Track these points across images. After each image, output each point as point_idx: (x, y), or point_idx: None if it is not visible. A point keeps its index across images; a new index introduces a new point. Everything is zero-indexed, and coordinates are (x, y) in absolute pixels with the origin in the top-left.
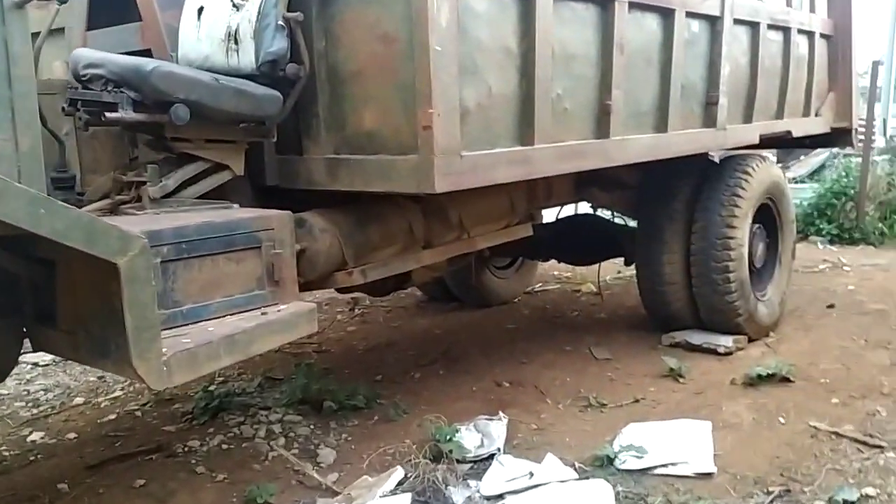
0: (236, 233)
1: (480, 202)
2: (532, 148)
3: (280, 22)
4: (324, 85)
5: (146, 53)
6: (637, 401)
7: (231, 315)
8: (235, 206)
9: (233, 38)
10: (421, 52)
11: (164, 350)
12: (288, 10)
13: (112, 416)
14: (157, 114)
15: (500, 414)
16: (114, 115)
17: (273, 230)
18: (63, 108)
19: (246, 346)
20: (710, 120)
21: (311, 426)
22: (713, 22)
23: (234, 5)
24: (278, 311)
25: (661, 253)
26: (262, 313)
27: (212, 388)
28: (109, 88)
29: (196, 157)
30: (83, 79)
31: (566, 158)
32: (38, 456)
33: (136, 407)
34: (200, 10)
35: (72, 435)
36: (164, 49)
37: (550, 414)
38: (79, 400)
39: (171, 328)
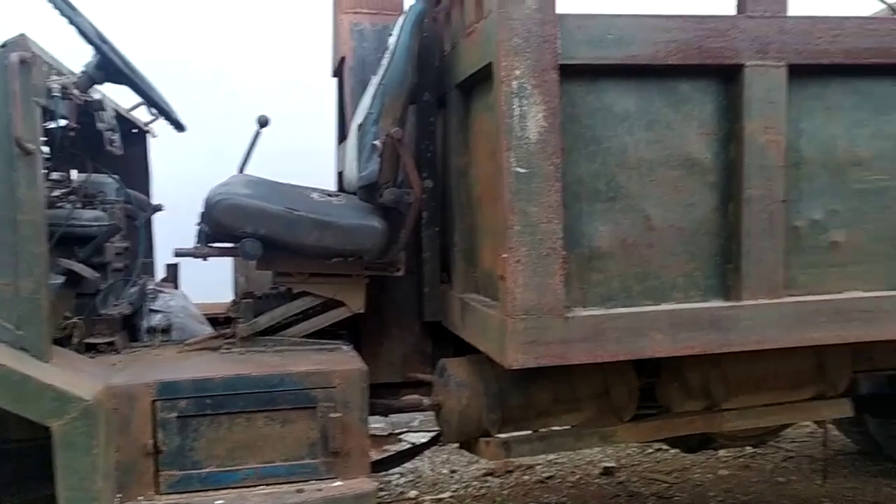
0: (279, 389)
1: (746, 362)
2: (736, 305)
3: (375, 141)
4: (463, 209)
5: None
6: None
7: (267, 486)
8: (346, 347)
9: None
10: (498, 176)
11: None
12: (400, 125)
13: None
14: (228, 248)
15: None
16: (185, 249)
17: (334, 388)
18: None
19: None
20: None
21: None
22: None
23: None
24: (324, 488)
25: None
26: (299, 490)
27: None
28: (198, 221)
29: (306, 293)
30: None
31: (825, 322)
32: None
33: None
34: (360, 126)
35: None
36: None
37: None
38: None
39: (180, 493)
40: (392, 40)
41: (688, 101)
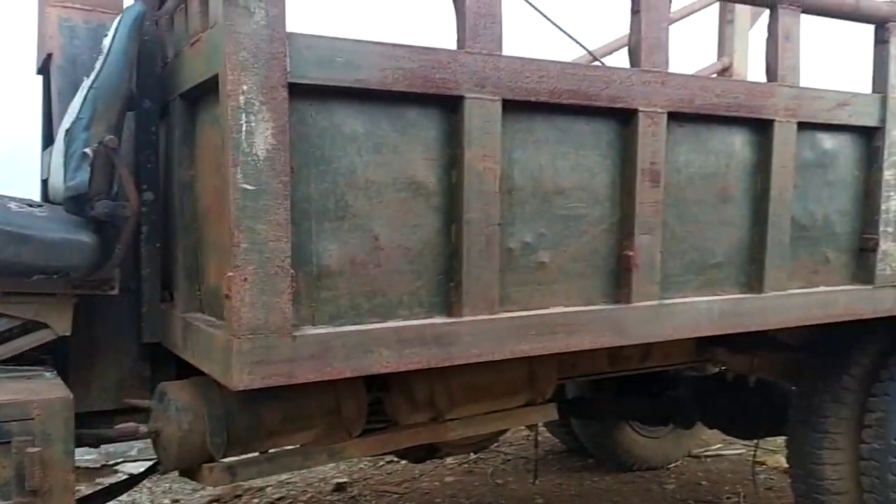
0: None
1: (467, 373)
2: (457, 321)
3: (86, 149)
4: (188, 224)
5: None
6: None
7: None
8: (49, 374)
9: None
10: (224, 192)
11: None
12: (115, 132)
13: None
14: None
15: None
16: None
17: (31, 420)
18: None
19: None
20: (862, 273)
21: None
22: (866, 134)
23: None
24: None
25: (820, 448)
26: None
27: None
28: None
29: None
30: None
31: (535, 335)
32: None
33: None
34: (67, 131)
35: None
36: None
37: None
38: None
39: None
40: (107, 41)
41: (414, 127)
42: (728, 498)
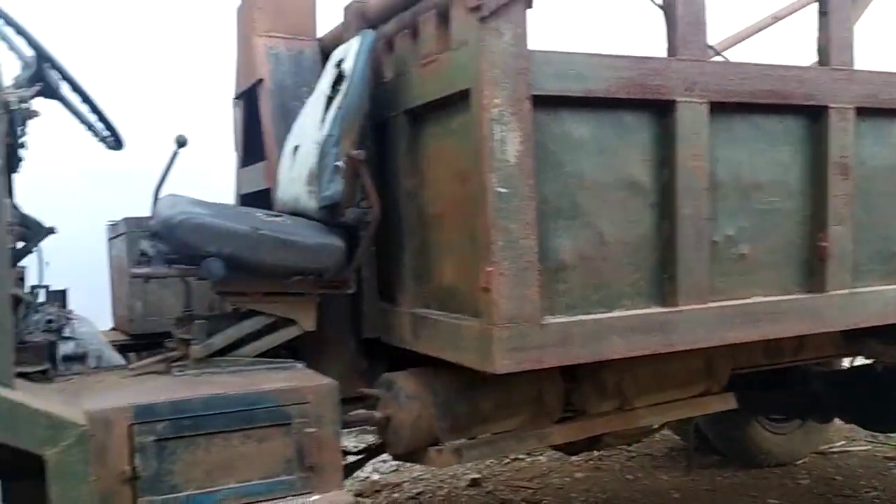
0: (257, 407)
1: (653, 363)
2: (674, 310)
3: (338, 162)
4: (413, 228)
5: (268, 193)
6: None
7: None
8: (299, 365)
9: (313, 178)
10: (479, 195)
11: None
12: (359, 147)
13: None
14: (189, 268)
15: None
16: (140, 269)
17: (308, 404)
18: (138, 259)
19: None
20: None
21: None
22: None
23: (317, 144)
24: (302, 503)
25: None
26: None
27: None
28: (153, 241)
29: (258, 312)
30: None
31: (740, 323)
32: None
33: None
34: (296, 149)
35: None
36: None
37: None
38: None
39: None
40: (348, 67)
41: (630, 131)
42: (867, 492)
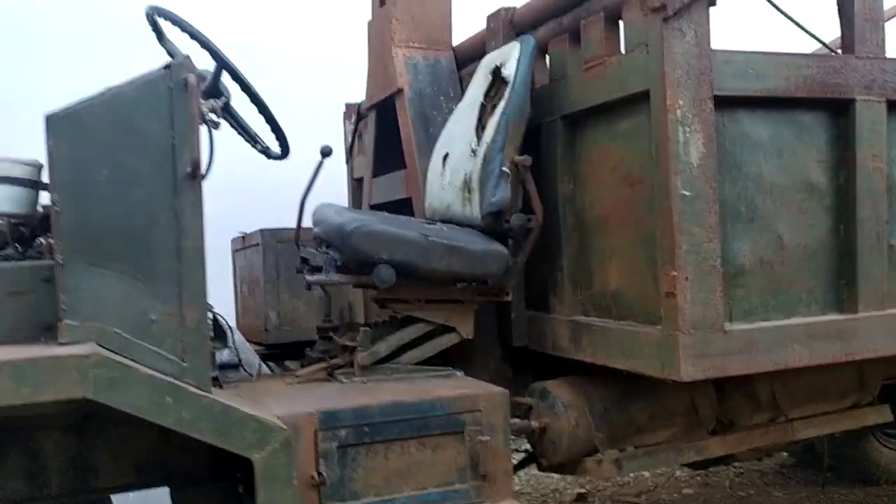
0: (431, 414)
1: (805, 373)
2: (853, 317)
3: (504, 168)
4: (570, 234)
5: (408, 202)
6: None
7: None
8: (459, 373)
9: (468, 186)
10: (662, 198)
11: None
12: (520, 153)
13: None
14: (360, 276)
15: None
16: (314, 277)
17: (480, 412)
18: (297, 268)
19: None
20: None
21: None
22: None
23: (472, 151)
24: None
25: None
26: None
27: None
28: (322, 249)
29: (417, 319)
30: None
31: None
32: None
33: None
34: (446, 156)
35: None
36: (422, 199)
37: None
38: None
39: None
40: (509, 72)
41: (807, 131)
42: None
